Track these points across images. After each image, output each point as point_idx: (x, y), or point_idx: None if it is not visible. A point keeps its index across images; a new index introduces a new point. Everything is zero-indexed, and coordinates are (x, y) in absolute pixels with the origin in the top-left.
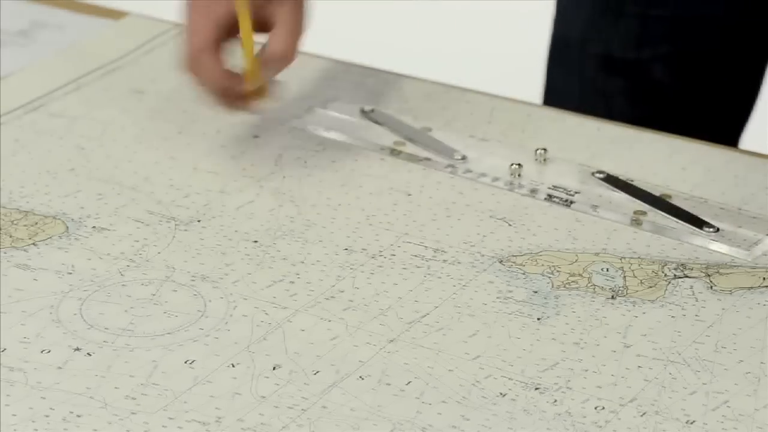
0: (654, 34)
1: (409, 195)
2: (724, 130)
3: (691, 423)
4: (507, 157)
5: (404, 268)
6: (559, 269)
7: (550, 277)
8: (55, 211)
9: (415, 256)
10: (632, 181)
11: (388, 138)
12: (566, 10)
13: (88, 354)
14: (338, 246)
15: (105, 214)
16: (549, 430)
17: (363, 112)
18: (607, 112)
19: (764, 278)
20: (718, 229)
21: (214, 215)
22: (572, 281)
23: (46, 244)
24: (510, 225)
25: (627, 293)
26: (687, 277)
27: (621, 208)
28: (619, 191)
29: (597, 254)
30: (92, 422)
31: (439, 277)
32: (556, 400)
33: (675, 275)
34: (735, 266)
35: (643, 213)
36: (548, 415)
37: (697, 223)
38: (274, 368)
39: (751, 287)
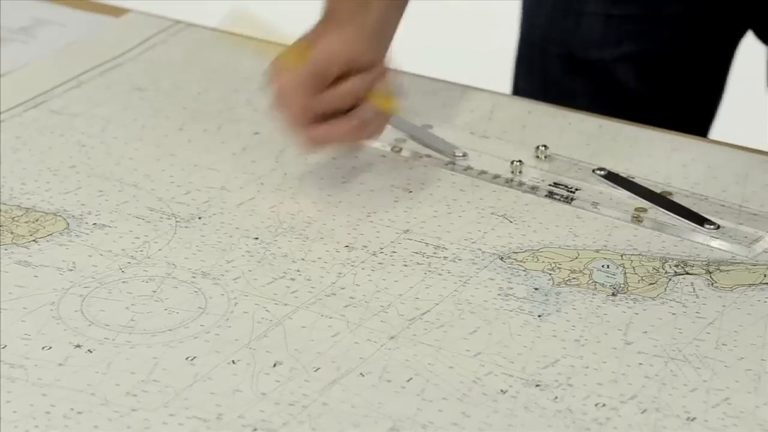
0: (616, 33)
1: (410, 192)
2: (690, 129)
3: (692, 420)
4: (508, 154)
5: (405, 265)
6: (559, 266)
7: (550, 274)
8: (56, 208)
9: (416, 253)
10: (633, 178)
11: (388, 135)
12: (529, 11)
13: (88, 351)
14: (339, 243)
15: (106, 210)
16: (550, 426)
17: None
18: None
19: (765, 275)
20: (718, 226)
21: (215, 212)
22: (573, 278)
23: (47, 241)
24: (511, 222)
25: (628, 290)
26: (688, 274)
27: (621, 205)
28: (620, 188)
29: (598, 251)
30: (93, 419)
31: (440, 274)
32: (556, 397)
33: (676, 272)
34: (736, 263)
35: (644, 210)
36: (549, 411)
37: (698, 220)
38: (274, 365)
39: (752, 284)
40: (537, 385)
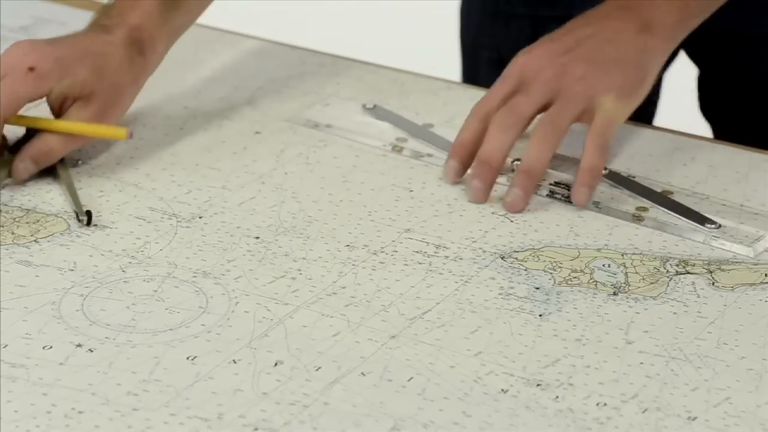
0: (544, 35)
1: (411, 191)
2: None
3: (693, 419)
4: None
5: (406, 265)
6: (560, 265)
7: (551, 274)
8: (57, 209)
9: (417, 252)
10: (634, 177)
11: (390, 134)
12: (461, 15)
13: (89, 350)
14: (340, 242)
15: (107, 211)
16: (551, 426)
17: (365, 109)
18: None
19: (766, 275)
20: (719, 226)
21: (216, 211)
22: (574, 277)
23: (48, 241)
24: (511, 221)
25: (629, 289)
26: (689, 273)
27: (623, 204)
28: (621, 187)
29: (599, 250)
30: (94, 418)
31: (441, 273)
32: (557, 397)
33: (677, 271)
34: (737, 262)
35: (645, 209)
36: (550, 411)
37: (699, 219)
38: (275, 364)
39: (753, 284)
40: (538, 385)
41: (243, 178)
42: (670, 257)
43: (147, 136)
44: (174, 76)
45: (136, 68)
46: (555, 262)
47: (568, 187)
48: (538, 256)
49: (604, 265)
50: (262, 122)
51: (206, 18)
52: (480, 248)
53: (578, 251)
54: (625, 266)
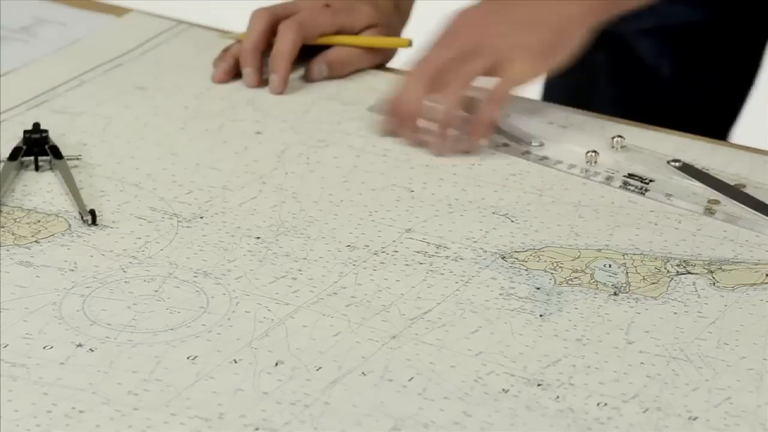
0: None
1: (412, 191)
2: (713, 118)
3: (694, 419)
4: (583, 144)
5: (407, 264)
6: (561, 265)
7: (552, 274)
8: (57, 209)
9: (418, 252)
10: (707, 170)
11: (701, 194)
12: None
13: (90, 350)
14: (341, 242)
15: (107, 211)
16: (551, 426)
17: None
18: (590, 90)
19: (767, 275)
20: None
21: (217, 211)
22: (574, 277)
23: (49, 242)
24: (512, 221)
25: (629, 290)
26: (689, 273)
27: (695, 196)
28: (694, 180)
29: (599, 250)
30: (94, 418)
31: (442, 274)
32: (558, 397)
33: (677, 272)
34: (737, 262)
35: (717, 202)
36: (550, 411)
37: None
38: (276, 364)
39: (754, 284)
40: (539, 385)
41: (244, 178)
42: (671, 257)
43: (148, 136)
44: (175, 76)
45: (397, 15)
46: (556, 262)
47: (641, 179)
48: (538, 256)
49: (604, 266)
50: (263, 122)
51: (206, 18)
52: (481, 248)
53: (579, 251)
54: (625, 266)
